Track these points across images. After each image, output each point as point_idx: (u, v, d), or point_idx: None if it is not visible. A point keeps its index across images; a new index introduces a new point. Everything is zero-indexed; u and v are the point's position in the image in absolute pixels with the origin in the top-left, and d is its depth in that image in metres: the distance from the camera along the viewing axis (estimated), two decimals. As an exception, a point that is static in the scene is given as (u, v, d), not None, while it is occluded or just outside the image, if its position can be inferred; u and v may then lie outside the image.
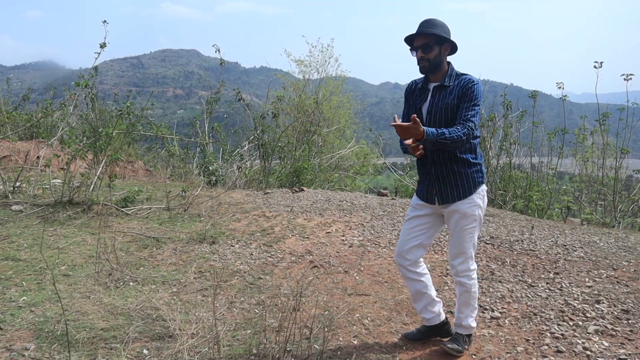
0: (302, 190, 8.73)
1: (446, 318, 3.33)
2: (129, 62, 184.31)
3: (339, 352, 3.12)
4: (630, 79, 7.67)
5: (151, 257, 4.92)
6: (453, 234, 3.07)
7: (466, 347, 3.14)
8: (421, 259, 3.22)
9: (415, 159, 3.11)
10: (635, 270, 4.66)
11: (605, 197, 8.47)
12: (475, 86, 2.90)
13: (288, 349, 3.02)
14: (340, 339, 3.32)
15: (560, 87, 8.55)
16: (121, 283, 4.14)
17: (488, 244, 5.43)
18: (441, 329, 3.28)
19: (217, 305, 3.75)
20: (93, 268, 4.43)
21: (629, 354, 3.13)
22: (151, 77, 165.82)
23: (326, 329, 3.34)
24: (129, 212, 6.49)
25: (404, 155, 13.55)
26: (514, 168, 9.61)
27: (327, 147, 15.49)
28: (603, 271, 4.63)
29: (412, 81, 3.20)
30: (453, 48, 2.99)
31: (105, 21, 7.45)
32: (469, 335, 3.18)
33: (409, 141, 2.80)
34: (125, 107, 7.07)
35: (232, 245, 5.37)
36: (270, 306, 3.79)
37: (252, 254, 5.12)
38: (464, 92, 2.90)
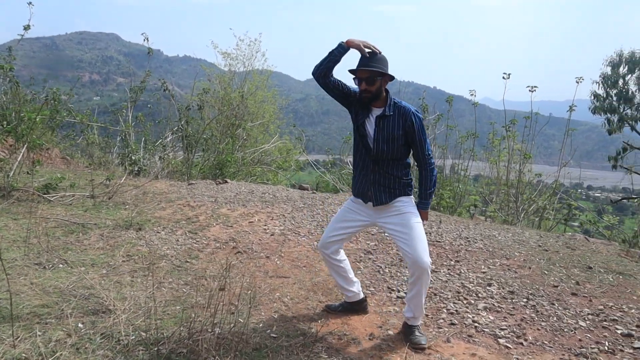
0: (226, 182, 9.00)
1: (365, 297, 3.82)
2: (42, 43, 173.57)
3: (261, 325, 3.50)
4: (534, 90, 8.57)
5: (78, 242, 5.06)
6: (406, 232, 3.26)
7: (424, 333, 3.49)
8: (341, 248, 3.67)
9: (355, 160, 3.50)
10: (524, 260, 5.39)
11: (510, 197, 9.38)
12: (418, 119, 3.29)
13: (215, 321, 3.36)
14: (262, 313, 3.70)
15: (472, 95, 9.36)
16: (51, 265, 4.28)
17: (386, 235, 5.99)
18: (360, 305, 3.79)
19: (147, 284, 4.01)
20: (20, 252, 4.53)
21: (509, 325, 3.76)
22: (66, 60, 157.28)
23: (249, 306, 3.70)
24: (52, 199, 6.50)
25: (326, 153, 14.07)
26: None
27: (251, 141, 15.74)
28: (497, 260, 5.32)
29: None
30: (391, 78, 3.32)
31: (30, 3, 7.32)
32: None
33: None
34: (52, 92, 7.02)
35: (158, 232, 5.59)
36: (198, 286, 4.10)
37: (178, 240, 5.37)
38: (410, 127, 3.25)
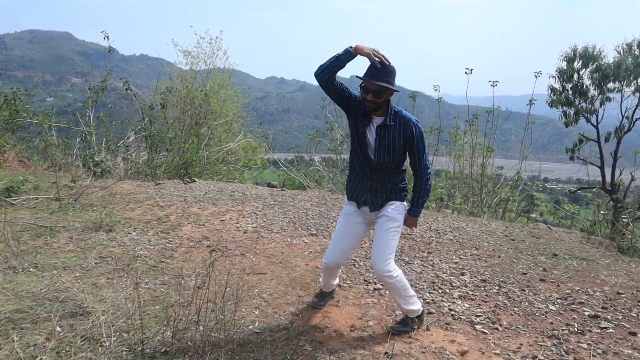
0: (194, 181, 8.91)
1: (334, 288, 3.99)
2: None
3: (242, 321, 3.50)
4: (496, 85, 8.79)
5: (47, 245, 4.93)
6: (379, 236, 3.38)
7: (415, 327, 3.51)
8: None
9: (352, 165, 3.53)
10: (493, 249, 5.55)
11: (474, 190, 9.60)
12: (418, 129, 3.31)
13: (197, 319, 3.35)
14: (243, 309, 3.71)
15: (436, 90, 9.52)
16: (21, 270, 4.17)
17: (371, 229, 6.06)
18: (333, 293, 4.01)
19: (123, 285, 3.95)
20: (-14, 256, 4.39)
21: (484, 312, 3.89)
22: (16, 60, 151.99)
23: (235, 302, 3.70)
24: (15, 203, 6.31)
25: (292, 151, 14.09)
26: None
27: (215, 140, 15.59)
28: (468, 250, 5.46)
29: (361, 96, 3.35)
30: (396, 90, 3.31)
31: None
32: (418, 316, 3.54)
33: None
34: (12, 93, 6.80)
35: (129, 233, 5.51)
36: (175, 285, 4.07)
37: (150, 241, 5.30)
38: (410, 136, 3.29)
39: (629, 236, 8.24)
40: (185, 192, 7.75)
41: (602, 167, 14.93)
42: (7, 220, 5.50)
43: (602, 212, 10.66)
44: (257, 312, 3.70)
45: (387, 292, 4.21)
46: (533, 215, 10.28)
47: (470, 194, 9.89)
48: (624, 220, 10.99)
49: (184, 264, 4.66)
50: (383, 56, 3.17)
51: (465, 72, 9.26)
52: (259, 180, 14.27)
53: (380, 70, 3.16)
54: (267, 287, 4.20)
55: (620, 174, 13.49)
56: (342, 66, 3.22)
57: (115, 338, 3.07)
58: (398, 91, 3.27)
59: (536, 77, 9.91)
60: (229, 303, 3.69)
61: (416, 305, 3.49)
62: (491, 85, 9.25)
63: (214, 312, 3.52)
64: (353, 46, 3.19)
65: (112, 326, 3.21)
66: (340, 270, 3.85)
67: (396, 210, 3.43)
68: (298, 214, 6.78)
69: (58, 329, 3.19)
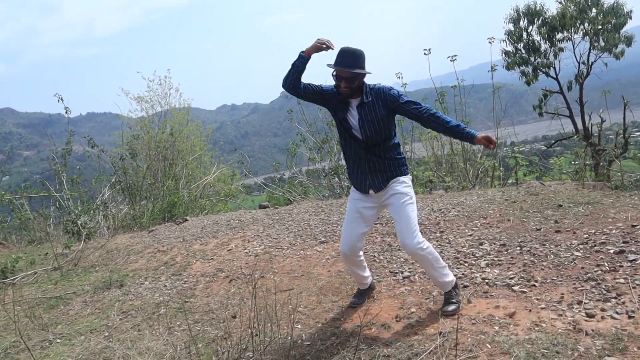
0: (186, 220, 8.80)
1: (373, 282, 4.01)
2: None
3: (289, 338, 3.46)
4: (455, 59, 8.92)
5: (64, 314, 4.80)
6: (398, 213, 3.36)
7: (458, 298, 3.53)
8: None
9: (345, 153, 3.54)
10: (500, 215, 5.62)
11: (458, 166, 9.69)
12: (395, 91, 3.36)
13: (243, 347, 3.30)
14: (285, 327, 3.66)
15: (399, 77, 9.62)
16: (47, 344, 4.04)
17: (377, 224, 6.09)
18: (372, 288, 3.99)
19: (157, 334, 3.87)
20: (6, 341, 4.24)
21: (516, 273, 3.93)
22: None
23: (269, 324, 3.65)
24: (14, 282, 6.12)
25: (259, 174, 14.02)
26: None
27: (188, 177, 15.43)
28: (477, 221, 5.52)
29: (333, 86, 3.43)
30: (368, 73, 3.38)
31: None
32: (454, 287, 3.55)
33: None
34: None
35: (142, 283, 5.40)
36: (209, 320, 4.00)
37: (165, 286, 5.21)
38: (392, 101, 3.31)
39: (618, 174, 8.44)
40: (181, 232, 7.64)
41: (571, 116, 15.32)
42: (14, 300, 5.34)
43: (583, 159, 10.91)
44: (299, 326, 3.66)
45: (417, 276, 4.22)
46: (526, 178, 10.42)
47: (456, 170, 9.98)
48: (603, 163, 11.29)
49: (208, 300, 4.59)
50: (327, 41, 3.30)
51: (424, 53, 9.39)
52: (244, 207, 14.18)
53: (350, 57, 3.24)
54: (300, 301, 4.16)
55: (590, 119, 13.86)
56: (300, 71, 3.34)
57: (171, 384, 3.00)
58: (370, 72, 3.34)
59: (490, 43, 10.11)
60: (270, 324, 3.64)
61: (450, 277, 3.52)
62: (451, 60, 9.40)
63: (257, 337, 3.47)
64: (303, 51, 3.33)
65: (164, 374, 3.14)
66: (364, 261, 3.80)
67: (403, 184, 3.44)
68: (301, 226, 6.75)
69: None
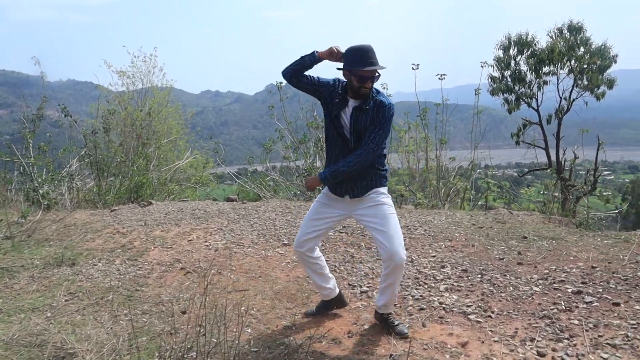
0: (151, 203, 8.61)
1: (340, 292, 3.79)
2: None
3: (236, 342, 3.36)
4: (443, 78, 8.93)
5: (7, 287, 4.61)
6: (384, 224, 3.24)
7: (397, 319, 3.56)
8: (316, 246, 3.59)
9: (328, 151, 3.46)
10: (466, 239, 5.61)
11: (431, 183, 9.70)
12: (387, 111, 3.23)
13: (189, 346, 3.19)
14: (234, 330, 3.56)
15: (384, 88, 9.60)
16: (-16, 317, 3.87)
17: (342, 232, 6.03)
18: (338, 301, 3.76)
19: (102, 320, 3.73)
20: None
21: (473, 301, 3.90)
22: None
23: (218, 324, 3.54)
24: (-38, 246, 5.88)
25: (233, 164, 13.89)
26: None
27: (160, 160, 15.15)
28: (442, 243, 5.50)
29: (337, 79, 3.37)
30: None
31: None
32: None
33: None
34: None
35: (94, 265, 5.23)
36: (157, 313, 3.88)
37: (119, 270, 5.06)
38: (376, 115, 3.23)
39: (584, 212, 8.58)
40: (144, 216, 7.46)
41: (546, 149, 15.57)
42: (-42, 266, 5.12)
43: (552, 192, 11.06)
44: (249, 331, 3.57)
45: (374, 292, 4.16)
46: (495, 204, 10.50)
47: (429, 187, 10.00)
48: (571, 198, 11.47)
49: (160, 290, 4.46)
50: (337, 48, 3.26)
51: (412, 68, 9.39)
52: (213, 197, 13.99)
53: (372, 55, 3.15)
54: (253, 304, 4.07)
55: (564, 153, 14.09)
56: (306, 67, 3.31)
57: (106, 377, 2.88)
58: (385, 67, 3.24)
59: (482, 67, 10.18)
60: (219, 325, 3.54)
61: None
62: (439, 78, 9.42)
63: (204, 337, 3.37)
64: (318, 52, 3.30)
65: (101, 365, 3.01)
66: (325, 268, 3.67)
67: (383, 195, 3.37)
68: (265, 225, 6.65)
69: (41, 376, 2.97)
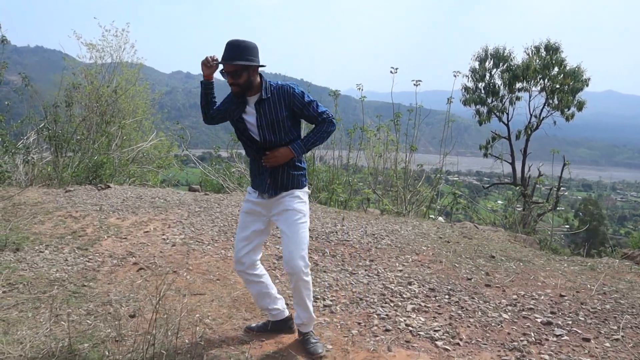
0: (109, 187, 8.21)
1: (290, 314, 3.51)
2: None
3: (189, 355, 3.10)
4: (419, 84, 8.82)
5: (-60, 271, 4.22)
6: (287, 232, 3.12)
7: (317, 337, 3.34)
8: (258, 262, 3.35)
9: (250, 161, 3.29)
10: (433, 254, 5.46)
11: (397, 188, 9.59)
12: (297, 89, 3.11)
13: (134, 358, 2.92)
14: (186, 340, 3.30)
15: (360, 89, 9.43)
16: None
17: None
18: (285, 324, 3.48)
19: (41, 320, 3.41)
20: None
21: (441, 326, 3.73)
22: None
23: (169, 333, 3.28)
24: None
25: (199, 147, 13.50)
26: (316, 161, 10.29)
27: (123, 140, 14.63)
28: (408, 256, 5.33)
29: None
30: (261, 65, 3.09)
31: None
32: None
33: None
34: None
35: (41, 252, 4.87)
36: (104, 315, 3.58)
37: (67, 260, 4.71)
38: (293, 101, 3.08)
39: (547, 230, 8.61)
40: (100, 200, 7.08)
41: (512, 163, 15.73)
42: None
43: (515, 207, 11.13)
44: (202, 342, 3.31)
45: (339, 307, 3.96)
46: (459, 215, 10.49)
47: (392, 191, 9.89)
48: (532, 215, 11.59)
49: (110, 287, 4.15)
50: (211, 56, 3.10)
51: (391, 72, 9.25)
52: (176, 181, 13.58)
53: (234, 51, 2.98)
54: (209, 311, 3.81)
55: (529, 169, 14.26)
56: (209, 98, 3.24)
57: (39, 390, 2.59)
58: (263, 65, 3.09)
59: (455, 76, 10.11)
60: (169, 333, 3.28)
61: (314, 314, 3.34)
62: (414, 84, 9.30)
63: (153, 347, 3.10)
64: (203, 77, 3.20)
65: (34, 375, 2.72)
66: (271, 287, 3.44)
67: (297, 200, 3.19)
68: (227, 221, 6.37)
69: (-36, 382, 2.65)
